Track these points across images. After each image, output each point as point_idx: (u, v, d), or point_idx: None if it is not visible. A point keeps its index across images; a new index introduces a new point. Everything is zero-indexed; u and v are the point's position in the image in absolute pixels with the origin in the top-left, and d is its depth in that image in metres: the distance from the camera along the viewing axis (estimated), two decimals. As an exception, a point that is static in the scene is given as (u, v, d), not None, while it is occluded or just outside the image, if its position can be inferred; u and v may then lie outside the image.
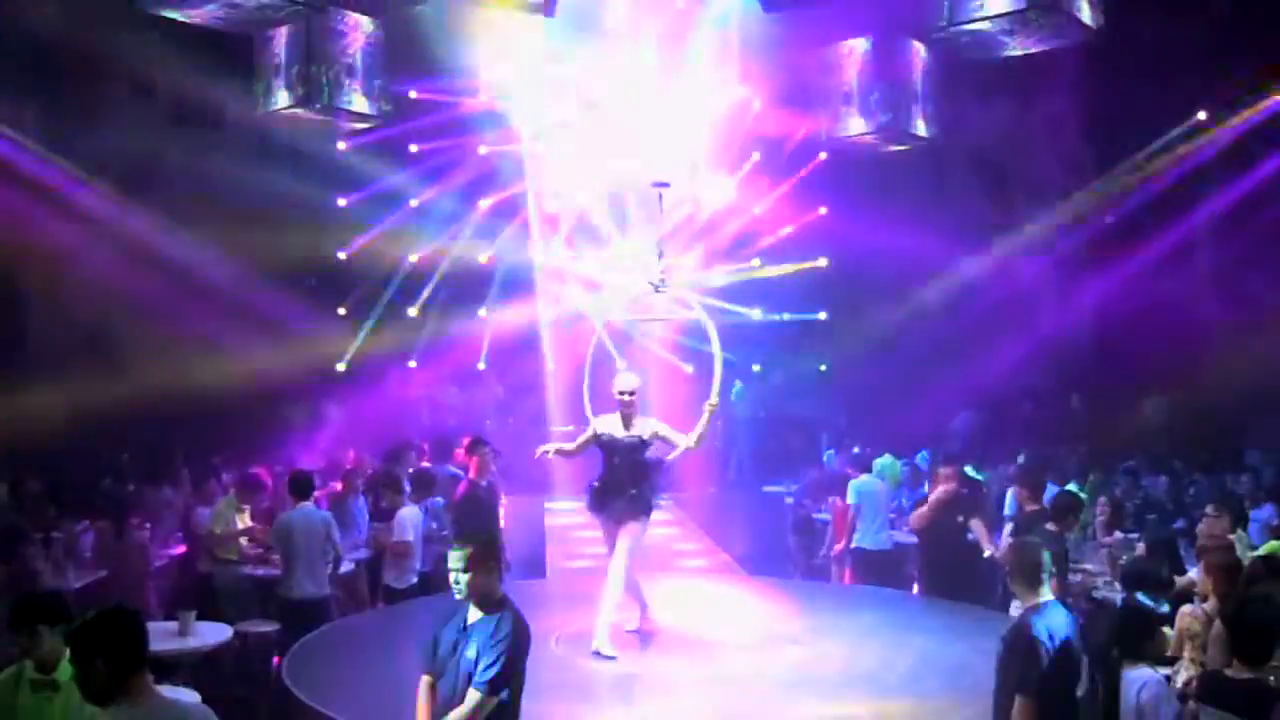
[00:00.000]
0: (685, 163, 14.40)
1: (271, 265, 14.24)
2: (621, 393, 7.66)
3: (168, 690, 5.87)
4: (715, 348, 7.86)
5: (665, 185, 7.99)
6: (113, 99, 13.48)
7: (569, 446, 8.10)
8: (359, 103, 10.50)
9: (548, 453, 8.18)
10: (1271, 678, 4.43)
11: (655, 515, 7.97)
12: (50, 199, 12.72)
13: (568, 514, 13.49)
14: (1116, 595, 6.75)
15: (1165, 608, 5.69)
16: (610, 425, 7.69)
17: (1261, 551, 6.65)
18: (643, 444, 7.66)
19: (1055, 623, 4.68)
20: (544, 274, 15.79)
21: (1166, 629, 5.79)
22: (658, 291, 7.58)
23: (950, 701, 6.33)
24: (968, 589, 8.83)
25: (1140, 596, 5.55)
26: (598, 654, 7.22)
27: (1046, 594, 4.79)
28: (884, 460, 12.22)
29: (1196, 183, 14.78)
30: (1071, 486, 9.45)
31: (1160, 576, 6.03)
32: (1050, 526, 7.62)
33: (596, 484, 7.77)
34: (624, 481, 7.62)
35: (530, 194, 15.49)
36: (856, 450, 11.99)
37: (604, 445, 7.72)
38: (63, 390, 11.82)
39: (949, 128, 12.14)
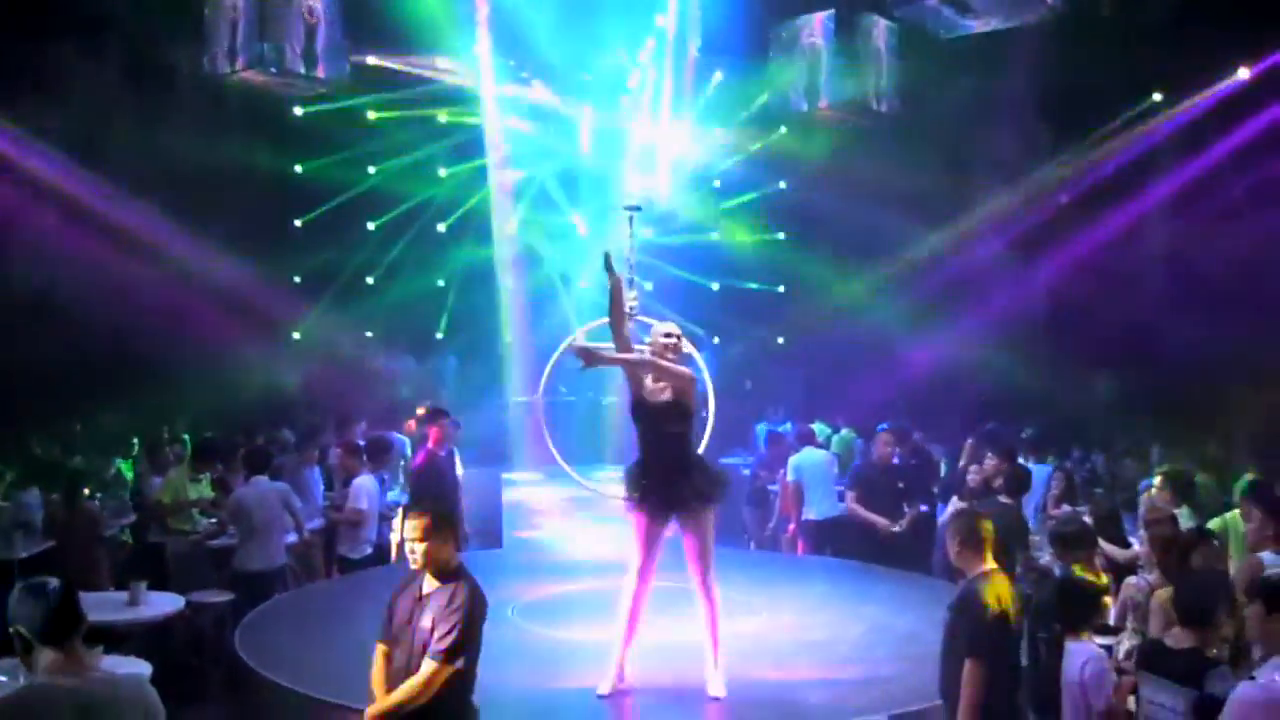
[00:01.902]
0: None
1: (225, 232, 14.08)
2: (667, 336, 6.19)
3: (116, 660, 5.87)
4: (706, 382, 7.74)
5: (637, 209, 7.81)
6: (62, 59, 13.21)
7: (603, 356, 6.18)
8: (315, 68, 10.35)
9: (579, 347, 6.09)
10: (1213, 650, 4.53)
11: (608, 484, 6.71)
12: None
13: (525, 486, 13.51)
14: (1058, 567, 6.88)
15: (1104, 580, 5.83)
16: (647, 386, 6.18)
17: (1212, 526, 6.78)
18: (682, 409, 6.12)
19: (1000, 590, 4.83)
20: (504, 243, 15.76)
21: (1108, 599, 5.94)
22: (630, 319, 7.30)
23: (899, 670, 6.43)
24: (901, 557, 9.11)
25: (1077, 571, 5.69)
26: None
27: (990, 562, 4.92)
28: (844, 433, 12.37)
29: (1150, 162, 14.96)
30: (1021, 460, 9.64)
31: (1083, 535, 6.15)
32: (1003, 499, 7.78)
33: (634, 466, 6.23)
34: (669, 461, 6.10)
35: (491, 164, 15.42)
36: (788, 426, 12.14)
37: (638, 411, 6.20)
38: (9, 358, 11.65)
39: (909, 103, 12.21)
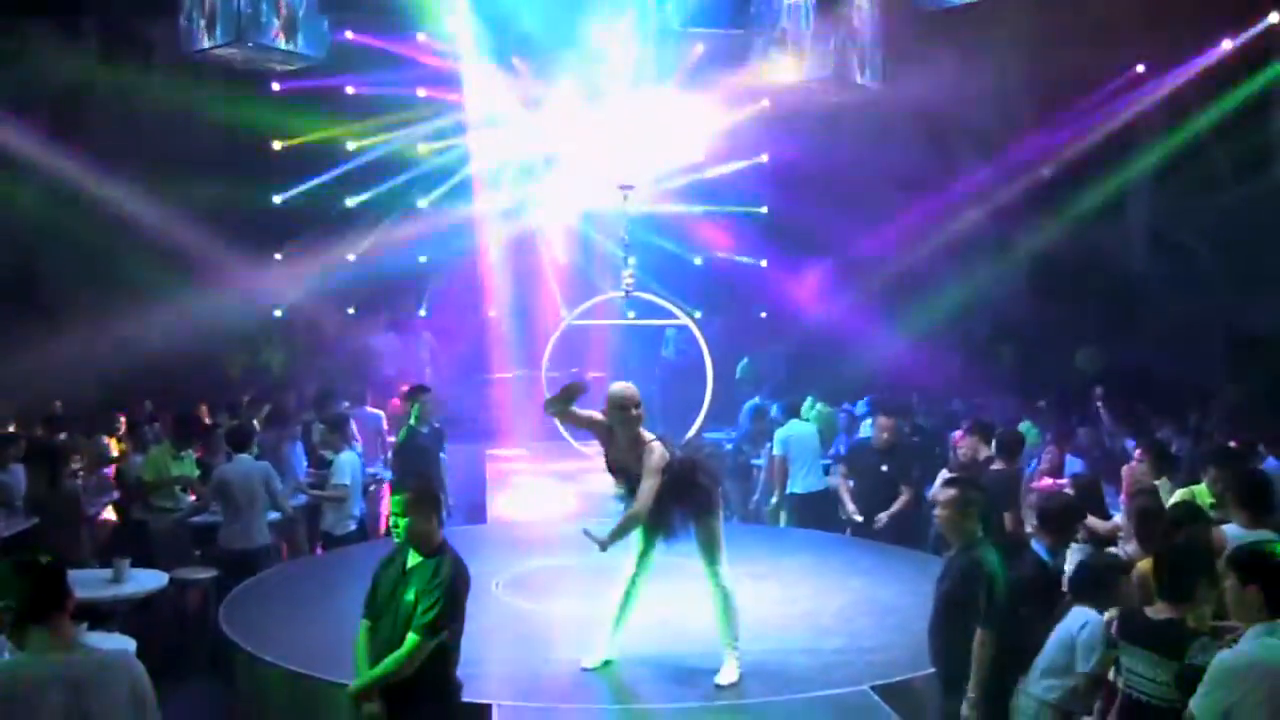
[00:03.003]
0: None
1: (206, 209, 14.00)
2: (622, 406, 5.94)
3: (101, 637, 5.87)
4: (705, 358, 7.68)
5: (630, 188, 7.73)
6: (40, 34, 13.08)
7: (572, 410, 6.05)
8: (294, 43, 10.23)
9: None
10: (1190, 618, 4.56)
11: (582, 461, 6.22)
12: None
13: (509, 461, 13.51)
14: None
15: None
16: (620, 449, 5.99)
17: (1176, 497, 6.83)
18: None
19: (996, 559, 4.94)
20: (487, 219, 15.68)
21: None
22: (626, 296, 7.16)
23: (883, 641, 6.49)
24: (896, 535, 9.08)
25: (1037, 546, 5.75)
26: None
27: (979, 532, 5.02)
28: (819, 408, 12.39)
29: (1132, 136, 14.99)
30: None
31: (1067, 512, 6.20)
32: (998, 465, 7.81)
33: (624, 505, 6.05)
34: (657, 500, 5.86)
35: (472, 141, 15.32)
36: (756, 401, 12.19)
37: (616, 473, 6.11)
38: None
39: (891, 77, 12.17)
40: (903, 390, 13.34)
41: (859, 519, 9.17)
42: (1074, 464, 9.16)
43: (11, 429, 10.42)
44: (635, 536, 6.07)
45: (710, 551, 6.05)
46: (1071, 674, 4.79)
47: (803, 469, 9.92)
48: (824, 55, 11.20)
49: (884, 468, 9.18)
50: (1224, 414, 11.13)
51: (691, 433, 7.37)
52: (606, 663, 6.13)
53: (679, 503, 5.98)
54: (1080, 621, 4.81)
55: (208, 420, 10.76)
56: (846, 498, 9.32)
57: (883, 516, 9.02)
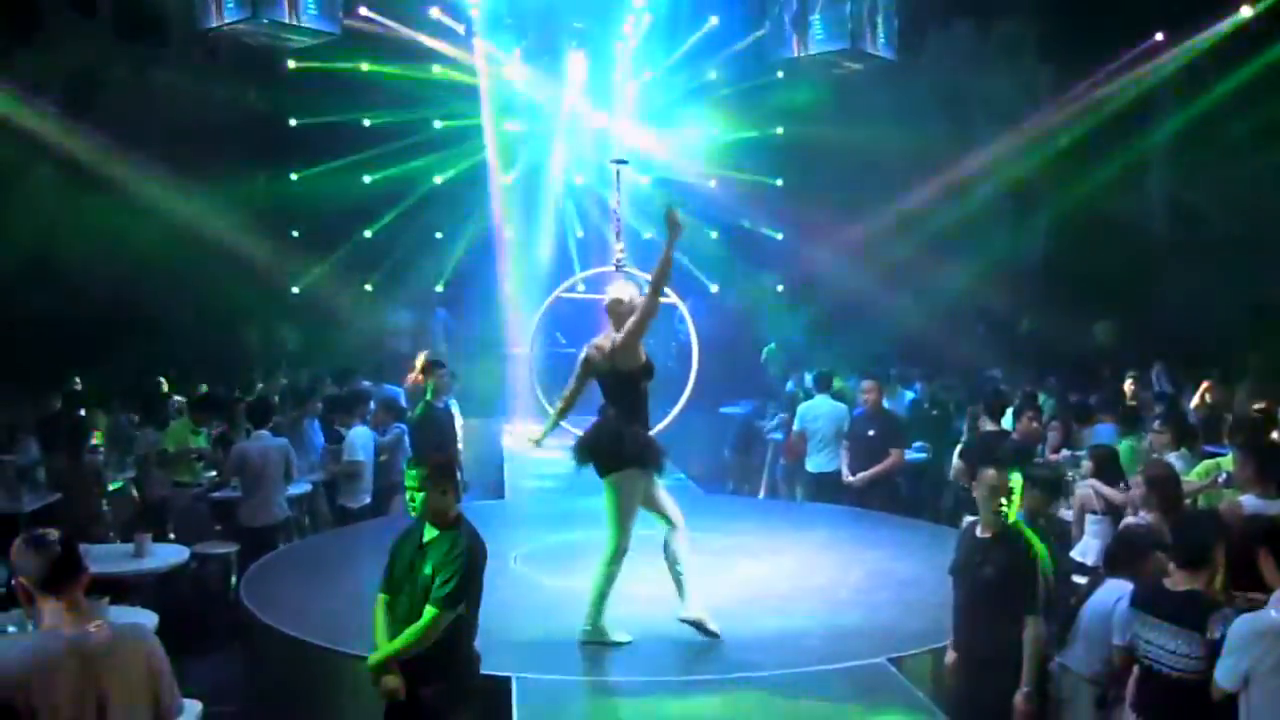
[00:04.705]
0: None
1: (222, 185, 14.02)
2: (618, 302, 6.08)
3: (122, 611, 5.92)
4: (691, 332, 7.71)
5: (623, 163, 7.69)
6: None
7: (561, 405, 6.39)
8: (308, 19, 10.23)
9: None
10: (1208, 588, 4.55)
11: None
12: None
13: (526, 436, 13.54)
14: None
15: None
16: (601, 347, 6.06)
17: (1200, 469, 6.81)
18: (640, 368, 6.00)
19: (1044, 548, 4.89)
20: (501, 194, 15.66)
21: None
22: (618, 270, 7.11)
23: (899, 614, 6.48)
24: (890, 502, 9.15)
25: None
26: (702, 628, 6.04)
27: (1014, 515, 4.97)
28: (835, 382, 12.36)
29: (1150, 104, 14.83)
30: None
31: (1056, 483, 6.20)
32: (1016, 437, 7.79)
33: (613, 434, 6.02)
34: (618, 418, 5.98)
35: (486, 115, 15.28)
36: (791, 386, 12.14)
37: (597, 376, 6.09)
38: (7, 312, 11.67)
39: (907, 47, 12.09)
40: (921, 363, 13.32)
41: (852, 479, 9.20)
42: (1105, 432, 9.02)
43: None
44: (627, 517, 6.04)
45: (676, 508, 6.14)
46: (1107, 646, 4.75)
47: (818, 448, 9.71)
48: (837, 25, 11.14)
49: (870, 433, 9.19)
50: (1247, 381, 11.05)
51: (672, 416, 7.33)
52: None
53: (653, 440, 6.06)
54: (1116, 594, 4.74)
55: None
56: (843, 465, 9.35)
57: (861, 476, 9.10)
